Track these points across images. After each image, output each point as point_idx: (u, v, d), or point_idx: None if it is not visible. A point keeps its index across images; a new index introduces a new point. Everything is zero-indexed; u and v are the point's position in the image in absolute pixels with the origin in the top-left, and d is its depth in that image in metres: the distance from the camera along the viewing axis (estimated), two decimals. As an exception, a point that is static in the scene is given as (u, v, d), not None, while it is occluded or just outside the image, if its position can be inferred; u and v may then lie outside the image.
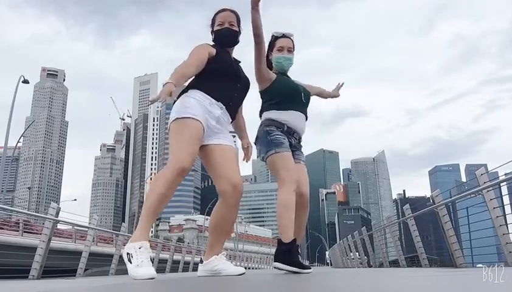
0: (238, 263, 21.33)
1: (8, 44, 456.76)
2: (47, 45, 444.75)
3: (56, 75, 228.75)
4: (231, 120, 2.65)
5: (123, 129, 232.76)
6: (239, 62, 2.80)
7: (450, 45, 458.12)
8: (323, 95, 3.40)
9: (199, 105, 2.44)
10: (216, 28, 2.70)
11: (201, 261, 2.58)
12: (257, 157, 3.02)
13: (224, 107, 2.55)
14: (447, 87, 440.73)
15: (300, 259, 2.69)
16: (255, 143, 2.96)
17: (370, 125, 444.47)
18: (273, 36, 3.08)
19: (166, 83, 2.22)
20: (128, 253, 2.15)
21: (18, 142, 28.36)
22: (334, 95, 3.42)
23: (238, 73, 2.66)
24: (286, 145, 2.82)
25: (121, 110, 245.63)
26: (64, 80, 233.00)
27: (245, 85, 2.71)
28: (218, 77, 2.54)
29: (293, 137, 2.93)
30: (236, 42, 2.75)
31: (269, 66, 3.06)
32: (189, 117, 2.39)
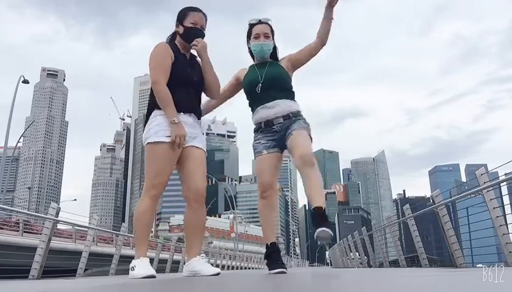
0: (238, 263, 21.35)
1: (8, 44, 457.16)
2: (47, 45, 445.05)
3: (56, 75, 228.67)
4: (200, 121, 2.79)
5: (123, 129, 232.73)
6: (196, 57, 2.84)
7: (450, 45, 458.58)
8: (319, 44, 2.96)
9: (166, 122, 2.58)
10: (189, 24, 2.73)
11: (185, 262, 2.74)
12: None
13: (193, 114, 2.70)
14: (447, 87, 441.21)
15: (281, 260, 2.87)
16: None
17: (369, 125, 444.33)
18: (249, 24, 3.03)
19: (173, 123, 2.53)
20: (132, 267, 2.49)
21: (18, 142, 28.39)
22: (328, 18, 2.93)
23: (192, 79, 2.72)
24: (260, 148, 2.92)
25: (121, 110, 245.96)
26: (64, 80, 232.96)
27: (198, 88, 2.79)
28: (178, 87, 2.63)
29: (274, 125, 2.88)
30: None
31: (252, 56, 3.07)
32: (159, 142, 2.55)
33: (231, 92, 3.13)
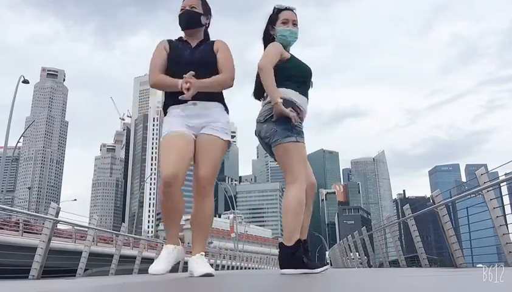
0: (238, 263, 21.32)
1: (8, 44, 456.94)
2: (46, 46, 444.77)
3: (56, 75, 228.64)
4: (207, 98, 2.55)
5: (123, 129, 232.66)
6: (206, 40, 2.71)
7: (449, 45, 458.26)
8: None
9: (173, 118, 2.52)
10: (179, 13, 2.70)
11: None
12: (258, 134, 2.69)
13: (195, 101, 2.49)
14: (446, 87, 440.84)
15: (307, 258, 2.51)
16: (265, 122, 2.64)
17: (369, 125, 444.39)
18: (275, 8, 2.85)
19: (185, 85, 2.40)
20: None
21: (18, 142, 28.37)
22: None
23: (191, 59, 2.55)
24: (303, 135, 2.62)
25: (121, 110, 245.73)
26: (64, 80, 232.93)
27: (199, 64, 2.52)
28: (172, 76, 2.51)
29: (302, 123, 2.70)
30: (197, 24, 2.66)
31: (266, 43, 2.83)
32: (165, 135, 2.51)
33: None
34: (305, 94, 2.72)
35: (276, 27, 2.80)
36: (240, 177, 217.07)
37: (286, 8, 2.83)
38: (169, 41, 2.70)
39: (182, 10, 2.69)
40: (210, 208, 2.54)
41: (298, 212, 2.50)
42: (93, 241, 7.60)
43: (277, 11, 2.83)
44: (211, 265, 2.61)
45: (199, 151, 2.50)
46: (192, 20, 2.66)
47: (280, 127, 2.56)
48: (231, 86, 2.59)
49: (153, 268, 2.40)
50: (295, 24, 2.80)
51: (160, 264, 2.40)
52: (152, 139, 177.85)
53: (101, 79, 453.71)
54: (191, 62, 2.53)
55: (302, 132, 2.62)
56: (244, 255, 26.13)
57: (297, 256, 2.43)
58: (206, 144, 2.49)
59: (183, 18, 2.68)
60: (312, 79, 2.88)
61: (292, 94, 2.62)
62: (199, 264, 2.42)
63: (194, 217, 2.54)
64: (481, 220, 4.57)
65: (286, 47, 2.78)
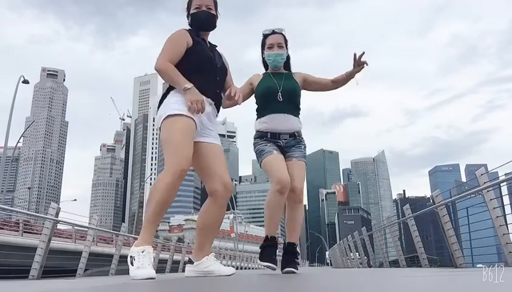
0: (238, 263, 21.33)
1: (8, 44, 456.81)
2: (46, 46, 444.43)
3: (56, 75, 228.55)
4: (217, 115, 2.65)
5: (123, 129, 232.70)
6: (216, 46, 2.71)
7: (449, 45, 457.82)
8: (330, 85, 3.11)
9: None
10: (193, 11, 2.59)
11: (189, 262, 2.56)
12: None
13: (213, 103, 2.53)
14: (446, 87, 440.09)
15: (275, 256, 2.95)
16: None
17: (369, 125, 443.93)
18: (263, 34, 3.09)
19: (186, 89, 2.36)
20: (131, 257, 2.25)
21: (18, 142, 28.35)
22: (354, 72, 3.07)
23: (215, 64, 2.55)
24: (269, 149, 2.91)
25: (121, 110, 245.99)
26: (64, 80, 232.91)
27: (222, 76, 2.63)
28: (199, 72, 2.46)
29: (280, 139, 2.96)
30: (214, 26, 2.63)
31: (265, 65, 3.14)
32: (181, 115, 2.35)
33: (245, 96, 3.07)
34: (270, 112, 2.97)
35: (264, 52, 3.07)
36: (240, 177, 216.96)
37: (273, 32, 3.06)
38: (190, 34, 2.55)
39: (197, 8, 2.58)
40: (224, 213, 2.60)
41: (265, 213, 2.90)
42: (93, 241, 7.60)
43: (264, 37, 3.08)
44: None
45: (215, 159, 2.49)
46: (210, 23, 2.62)
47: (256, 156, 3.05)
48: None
49: (147, 271, 2.14)
50: (280, 46, 3.04)
51: (151, 268, 2.19)
52: (152, 139, 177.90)
53: (101, 79, 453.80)
54: (216, 68, 2.55)
55: (263, 150, 2.93)
56: (244, 255, 26.12)
57: (263, 250, 2.95)
58: (222, 154, 2.57)
59: (203, 18, 2.57)
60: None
61: (256, 124, 3.04)
62: (220, 265, 2.53)
63: (212, 220, 2.51)
64: (481, 220, 4.57)
65: (274, 68, 3.07)
